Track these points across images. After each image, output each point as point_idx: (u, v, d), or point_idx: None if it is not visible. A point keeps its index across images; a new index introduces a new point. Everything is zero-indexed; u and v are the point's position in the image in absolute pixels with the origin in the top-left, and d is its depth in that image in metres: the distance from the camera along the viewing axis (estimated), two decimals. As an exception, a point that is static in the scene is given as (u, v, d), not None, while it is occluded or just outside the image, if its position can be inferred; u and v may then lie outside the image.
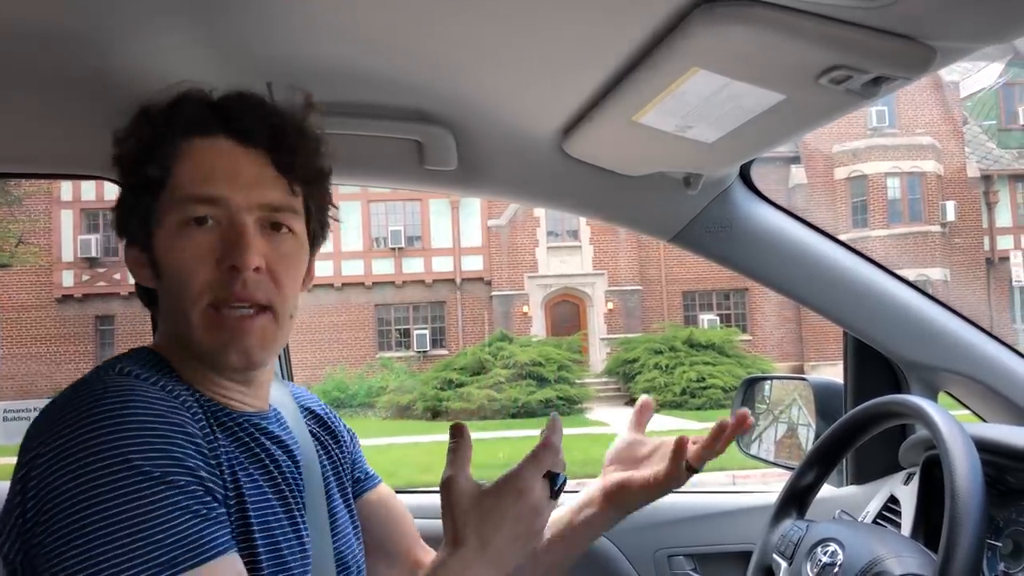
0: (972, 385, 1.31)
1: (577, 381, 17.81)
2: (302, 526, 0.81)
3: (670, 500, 1.62)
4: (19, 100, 1.07)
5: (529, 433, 13.46)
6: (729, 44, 0.80)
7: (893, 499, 1.28)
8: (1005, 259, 21.08)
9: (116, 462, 0.64)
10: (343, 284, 20.61)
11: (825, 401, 1.46)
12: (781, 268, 1.31)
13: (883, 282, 1.32)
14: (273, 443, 0.82)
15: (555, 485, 0.81)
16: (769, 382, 1.68)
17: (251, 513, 0.75)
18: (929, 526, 1.15)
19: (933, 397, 1.37)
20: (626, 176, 1.24)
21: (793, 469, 1.52)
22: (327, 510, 0.88)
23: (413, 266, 21.30)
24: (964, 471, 0.87)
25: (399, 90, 1.09)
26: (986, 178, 22.19)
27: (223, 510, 0.70)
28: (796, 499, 1.18)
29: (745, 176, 1.29)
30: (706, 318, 20.99)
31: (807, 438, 1.52)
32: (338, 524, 0.90)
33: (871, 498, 1.33)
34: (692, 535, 1.52)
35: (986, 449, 0.96)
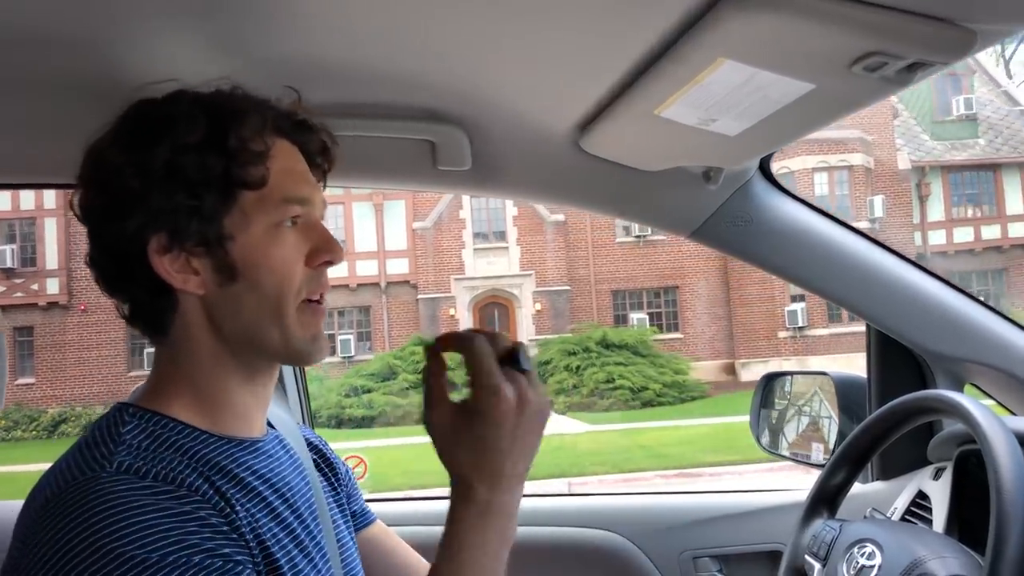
0: (999, 376, 1.29)
1: (495, 383, 17.61)
2: (318, 558, 0.79)
3: (694, 501, 1.61)
4: (10, 107, 1.03)
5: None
6: (759, 33, 0.77)
7: (921, 494, 1.25)
8: (937, 254, 20.75)
9: (123, 562, 0.61)
10: None
11: (847, 396, 1.44)
12: (804, 262, 1.29)
13: (907, 274, 1.29)
14: (278, 479, 0.80)
15: (517, 358, 0.72)
16: (789, 377, 1.66)
17: (282, 565, 0.73)
18: (964, 523, 1.13)
19: (959, 389, 1.35)
20: (644, 172, 1.22)
21: (810, 464, 1.51)
22: (334, 538, 0.85)
23: (336, 270, 20.45)
24: (1009, 468, 0.85)
25: (410, 89, 1.06)
26: (918, 170, 21.82)
27: (252, 571, 0.68)
28: (827, 499, 1.15)
29: (765, 169, 1.26)
30: (636, 317, 20.77)
31: (828, 434, 1.50)
32: (345, 548, 0.88)
33: (898, 494, 1.31)
34: (717, 536, 1.50)
35: None
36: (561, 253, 20.96)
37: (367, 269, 20.88)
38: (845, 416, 1.44)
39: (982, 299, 1.31)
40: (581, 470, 10.36)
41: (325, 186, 0.85)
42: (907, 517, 1.25)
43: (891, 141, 21.49)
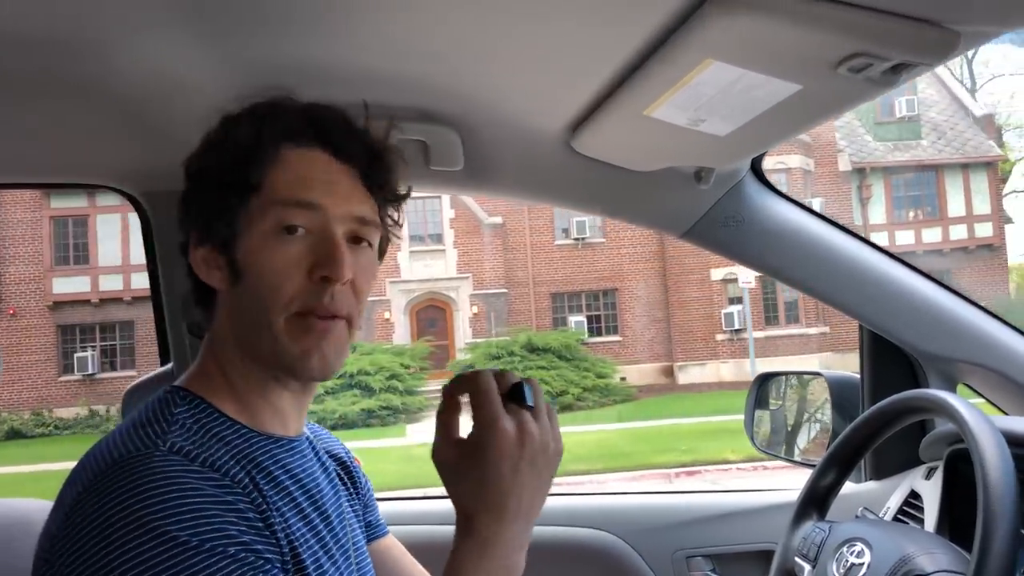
0: (991, 376, 1.29)
1: (418, 389, 17.48)
2: (341, 561, 0.80)
3: (688, 500, 1.61)
4: (18, 109, 1.04)
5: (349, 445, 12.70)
6: (745, 34, 0.78)
7: (914, 494, 1.26)
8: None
9: (165, 540, 0.63)
10: (134, 297, 19.67)
11: (842, 396, 1.44)
12: (795, 262, 1.29)
13: (898, 274, 1.30)
14: (309, 479, 0.81)
15: (521, 396, 0.72)
16: (784, 377, 1.66)
17: (308, 566, 0.74)
18: (954, 521, 1.13)
19: (952, 389, 1.35)
20: (636, 172, 1.22)
21: (804, 464, 1.51)
22: (351, 540, 0.86)
23: None
24: (996, 465, 0.85)
25: (402, 89, 1.06)
26: (859, 172, 21.45)
27: (279, 571, 0.69)
28: (816, 501, 1.15)
29: (756, 169, 1.26)
30: (574, 319, 20.58)
31: (822, 434, 1.50)
32: (362, 555, 0.89)
33: (891, 493, 1.31)
34: (710, 535, 1.50)
35: (1015, 443, 0.94)
36: (499, 255, 20.77)
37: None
38: (839, 416, 1.44)
39: (974, 299, 1.31)
40: (428, 481, 10.19)
41: (389, 199, 0.85)
42: (900, 517, 1.25)
43: (832, 142, 21.29)
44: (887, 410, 1.08)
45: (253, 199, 0.77)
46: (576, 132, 1.12)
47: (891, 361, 1.40)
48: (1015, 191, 26.55)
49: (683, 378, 20.03)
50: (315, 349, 0.76)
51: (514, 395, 0.73)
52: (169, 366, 1.34)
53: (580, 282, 21.05)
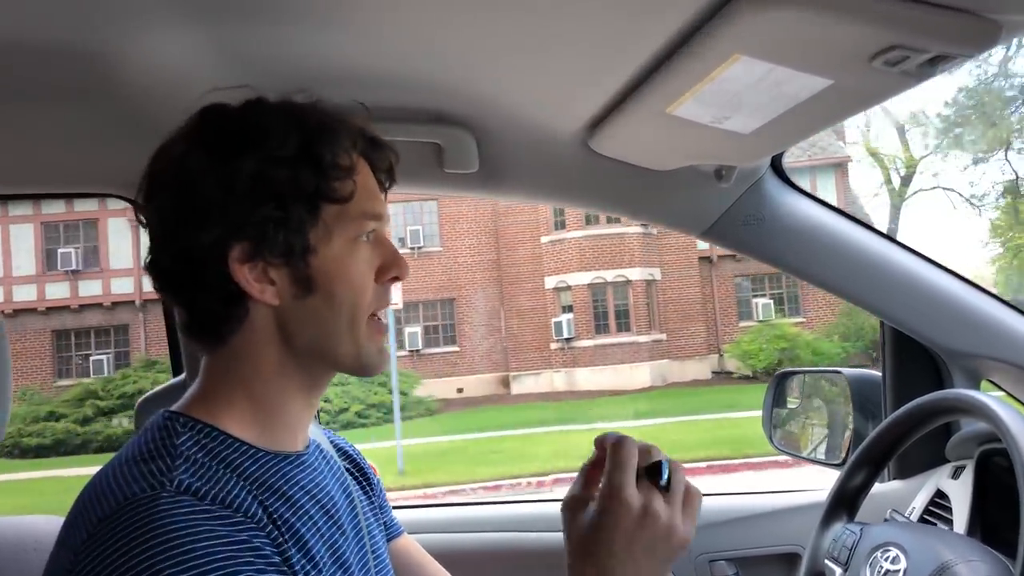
0: (1016, 372, 1.27)
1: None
2: (358, 572, 0.78)
3: (709, 503, 1.58)
4: (24, 117, 1.01)
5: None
6: (776, 28, 0.75)
7: (940, 494, 1.24)
8: (724, 257, 19.49)
9: None
10: (15, 311, 19.06)
11: (862, 394, 1.42)
12: (818, 260, 1.27)
13: (921, 270, 1.28)
14: (322, 493, 0.79)
15: (660, 477, 0.70)
16: (803, 376, 1.64)
17: None
18: (985, 522, 1.11)
19: (975, 386, 1.33)
20: (655, 171, 1.20)
21: (824, 464, 1.49)
22: (370, 546, 0.85)
23: (91, 289, 19.85)
24: None
25: (416, 91, 1.04)
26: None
27: None
28: (846, 501, 1.14)
29: (777, 166, 1.24)
30: (409, 330, 20.06)
31: (843, 432, 1.48)
32: (381, 560, 0.87)
33: (915, 493, 1.29)
34: (733, 538, 1.47)
35: None
36: (338, 266, 20.42)
37: (123, 287, 19.95)
38: (860, 415, 1.42)
39: (997, 294, 1.29)
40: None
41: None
42: (926, 517, 1.23)
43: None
44: (918, 411, 1.06)
45: (328, 209, 0.74)
46: (594, 131, 1.09)
47: (913, 358, 1.38)
48: (921, 189, 26.42)
49: (517, 388, 19.71)
50: (383, 346, 0.80)
51: (652, 472, 0.71)
52: (181, 377, 1.32)
53: (417, 292, 20.43)
